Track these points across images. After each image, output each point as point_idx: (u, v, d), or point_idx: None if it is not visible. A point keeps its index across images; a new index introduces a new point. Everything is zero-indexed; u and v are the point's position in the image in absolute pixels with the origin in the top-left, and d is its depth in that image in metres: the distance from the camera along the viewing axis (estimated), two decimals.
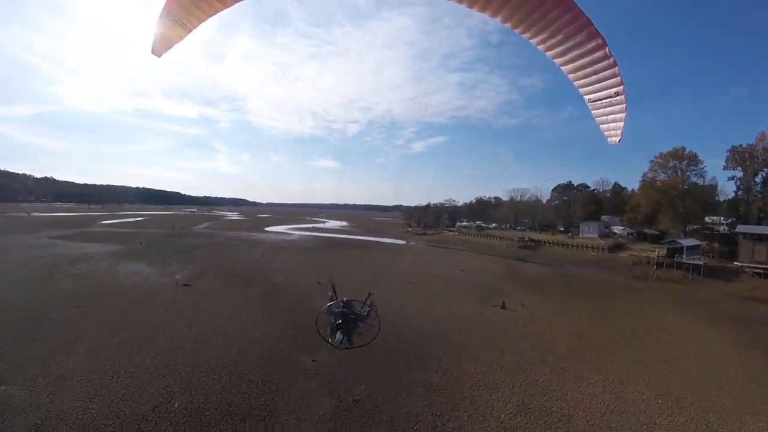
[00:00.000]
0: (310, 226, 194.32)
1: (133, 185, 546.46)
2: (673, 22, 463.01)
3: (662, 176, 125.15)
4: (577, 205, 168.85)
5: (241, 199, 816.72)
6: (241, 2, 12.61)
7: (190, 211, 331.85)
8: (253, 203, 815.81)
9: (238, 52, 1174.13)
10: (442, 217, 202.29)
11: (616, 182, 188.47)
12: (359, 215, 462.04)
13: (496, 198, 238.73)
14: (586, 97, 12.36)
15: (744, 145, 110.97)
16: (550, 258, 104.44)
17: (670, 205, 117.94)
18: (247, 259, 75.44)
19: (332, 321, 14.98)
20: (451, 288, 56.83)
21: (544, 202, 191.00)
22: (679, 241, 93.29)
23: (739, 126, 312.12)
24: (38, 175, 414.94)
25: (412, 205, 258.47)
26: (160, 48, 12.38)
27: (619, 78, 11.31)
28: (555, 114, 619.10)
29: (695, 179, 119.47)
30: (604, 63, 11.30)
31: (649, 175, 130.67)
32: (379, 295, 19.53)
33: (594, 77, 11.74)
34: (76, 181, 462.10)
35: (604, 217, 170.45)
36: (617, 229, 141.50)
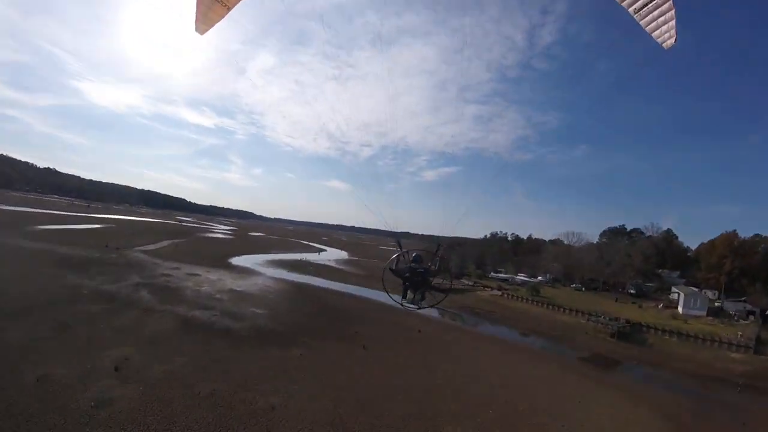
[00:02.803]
0: (299, 258, 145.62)
1: (139, 187, 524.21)
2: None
3: None
4: (637, 257, 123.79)
5: (248, 212, 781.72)
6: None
7: (179, 221, 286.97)
8: (260, 217, 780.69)
9: (261, 67, 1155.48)
10: (468, 261, 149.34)
11: (669, 229, 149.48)
12: (364, 241, 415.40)
13: (536, 239, 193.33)
14: (630, 9, 10.87)
15: None
16: (679, 370, 61.10)
17: None
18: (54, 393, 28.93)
19: (402, 278, 13.61)
20: None
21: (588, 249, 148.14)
22: None
23: None
24: (46, 165, 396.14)
25: (421, 233, 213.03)
26: (203, 25, 12.06)
27: None
28: (569, 152, 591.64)
29: None
30: None
31: None
32: None
33: None
34: (82, 176, 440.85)
35: (662, 272, 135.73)
36: (698, 296, 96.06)
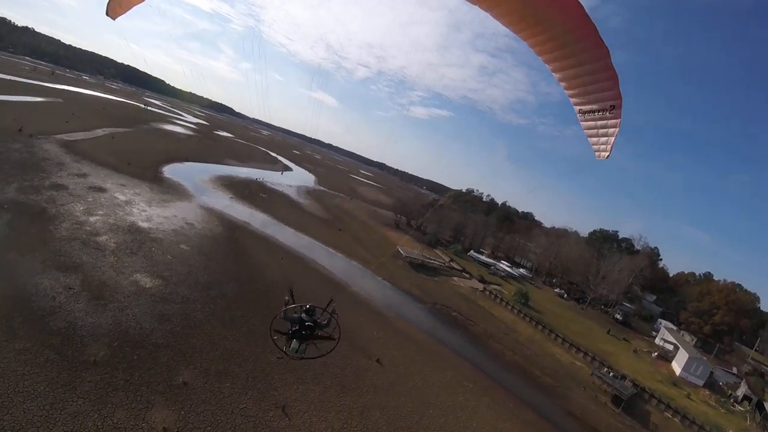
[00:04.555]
0: (256, 176, 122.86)
1: (119, 60, 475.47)
2: None
3: None
4: (628, 275, 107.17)
5: (227, 107, 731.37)
6: None
7: (146, 103, 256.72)
8: (239, 114, 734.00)
9: None
10: (445, 226, 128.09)
11: (656, 247, 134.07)
12: (338, 164, 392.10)
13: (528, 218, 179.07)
14: (578, 108, 10.73)
15: None
16: None
17: None
18: None
19: (289, 327, 13.19)
20: None
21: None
22: None
23: None
24: (25, 24, 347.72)
25: (397, 167, 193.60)
26: (118, 8, 10.89)
27: (617, 91, 9.72)
28: (561, 128, 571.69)
29: None
30: (606, 74, 9.63)
31: None
32: None
33: (591, 87, 10.10)
34: (63, 40, 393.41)
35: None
36: (701, 362, 74.97)
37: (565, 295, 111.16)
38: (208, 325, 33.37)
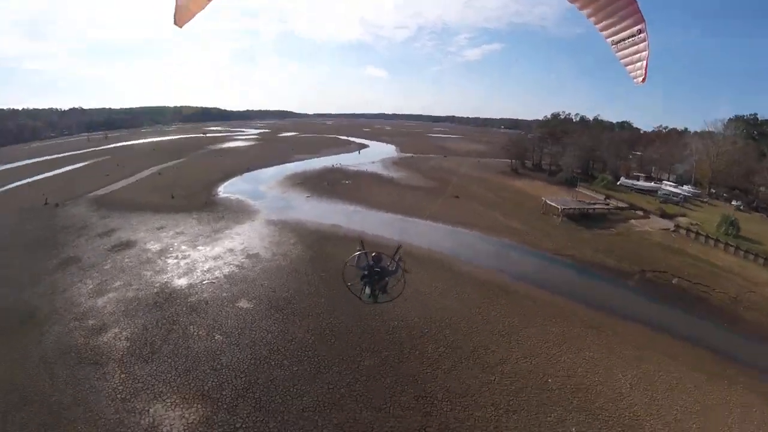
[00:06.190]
0: (332, 163, 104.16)
1: (172, 104, 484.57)
2: None
3: None
4: None
5: (287, 111, 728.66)
6: None
7: (205, 131, 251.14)
8: (300, 115, 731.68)
9: None
10: (567, 153, 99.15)
11: None
12: (412, 129, 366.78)
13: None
14: (609, 39, 9.71)
15: None
16: None
17: None
18: None
19: (361, 274, 12.75)
20: None
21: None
22: None
23: None
24: (81, 105, 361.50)
25: (467, 116, 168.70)
26: (182, 18, 10.12)
27: (640, 14, 8.79)
28: None
29: None
30: None
31: None
32: None
33: (617, 15, 9.20)
34: (113, 107, 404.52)
35: None
36: None
37: (742, 207, 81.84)
38: None
